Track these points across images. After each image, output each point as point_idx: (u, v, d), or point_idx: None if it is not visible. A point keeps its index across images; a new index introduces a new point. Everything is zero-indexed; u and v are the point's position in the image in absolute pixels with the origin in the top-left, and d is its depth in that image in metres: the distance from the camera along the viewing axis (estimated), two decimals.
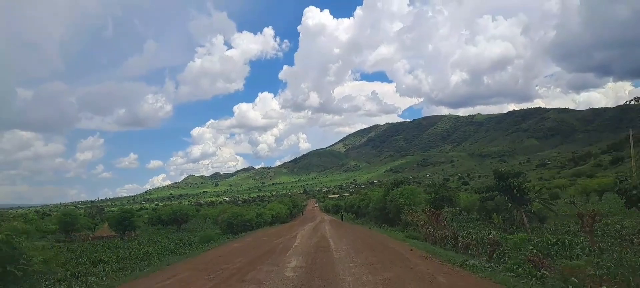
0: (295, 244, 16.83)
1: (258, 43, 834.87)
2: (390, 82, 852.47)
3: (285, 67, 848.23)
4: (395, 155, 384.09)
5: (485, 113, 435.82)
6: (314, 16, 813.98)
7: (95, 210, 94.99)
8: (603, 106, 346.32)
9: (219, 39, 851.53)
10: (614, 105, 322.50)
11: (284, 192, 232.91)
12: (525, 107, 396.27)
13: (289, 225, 37.98)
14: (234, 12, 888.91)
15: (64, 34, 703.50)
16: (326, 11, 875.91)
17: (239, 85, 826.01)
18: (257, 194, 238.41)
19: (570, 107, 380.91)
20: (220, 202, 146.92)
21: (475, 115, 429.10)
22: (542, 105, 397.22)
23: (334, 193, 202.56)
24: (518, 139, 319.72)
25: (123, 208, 56.23)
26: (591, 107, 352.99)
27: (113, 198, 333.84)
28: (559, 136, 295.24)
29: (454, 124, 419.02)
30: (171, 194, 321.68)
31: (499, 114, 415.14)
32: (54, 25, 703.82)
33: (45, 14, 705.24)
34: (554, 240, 13.32)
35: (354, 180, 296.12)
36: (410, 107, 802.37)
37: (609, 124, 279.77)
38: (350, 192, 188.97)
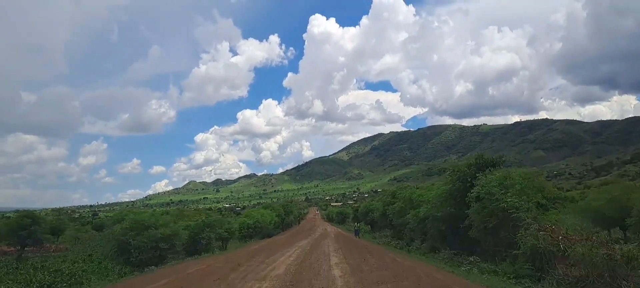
0: None
1: (263, 50, 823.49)
2: (394, 91, 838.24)
3: (289, 74, 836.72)
4: (399, 164, 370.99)
5: (490, 124, 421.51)
6: (319, 24, 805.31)
7: (66, 216, 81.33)
8: (610, 118, 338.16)
9: (224, 46, 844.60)
10: (622, 118, 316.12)
11: (285, 199, 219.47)
12: (531, 119, 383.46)
13: (268, 243, 24.44)
14: (240, 19, 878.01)
15: (69, 38, 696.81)
16: (332, 19, 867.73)
17: (243, 91, 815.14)
18: (258, 201, 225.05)
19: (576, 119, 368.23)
20: (219, 210, 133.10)
21: (480, 125, 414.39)
22: (547, 118, 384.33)
23: (336, 202, 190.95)
24: (525, 150, 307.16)
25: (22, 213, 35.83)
26: (599, 120, 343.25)
27: (112, 203, 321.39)
28: (566, 148, 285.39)
29: (459, 134, 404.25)
30: (171, 200, 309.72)
31: (504, 124, 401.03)
32: (59, 29, 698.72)
33: (50, 17, 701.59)
34: None
35: (357, 188, 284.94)
36: (415, 117, 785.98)
37: (617, 136, 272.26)
38: (353, 200, 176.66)
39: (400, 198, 22.93)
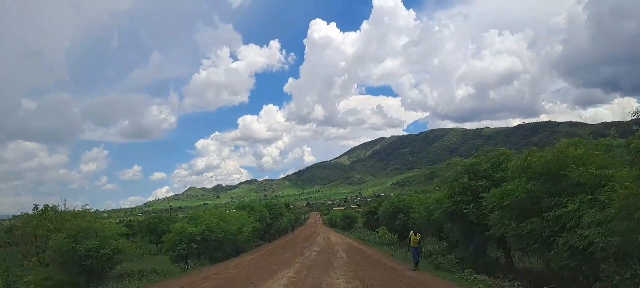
0: None
1: (264, 55, 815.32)
2: (395, 96, 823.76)
3: (290, 79, 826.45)
4: (401, 168, 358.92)
5: (492, 127, 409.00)
6: (320, 29, 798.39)
7: None
8: (615, 120, 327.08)
9: (224, 51, 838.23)
10: (628, 119, 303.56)
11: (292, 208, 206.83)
12: (534, 121, 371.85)
13: (200, 276, 11.75)
14: (240, 24, 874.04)
15: (70, 44, 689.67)
16: (333, 24, 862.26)
17: (243, 97, 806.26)
18: None
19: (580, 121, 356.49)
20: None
21: (483, 128, 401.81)
22: (550, 120, 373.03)
23: (339, 206, 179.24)
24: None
25: None
26: (603, 121, 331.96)
27: (112, 210, 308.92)
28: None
29: (462, 137, 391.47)
30: (170, 206, 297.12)
31: (507, 127, 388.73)
32: (59, 35, 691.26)
33: (51, 24, 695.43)
34: None
35: (359, 193, 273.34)
36: (416, 121, 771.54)
37: (622, 138, 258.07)
38: (356, 204, 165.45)
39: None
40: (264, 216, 28.22)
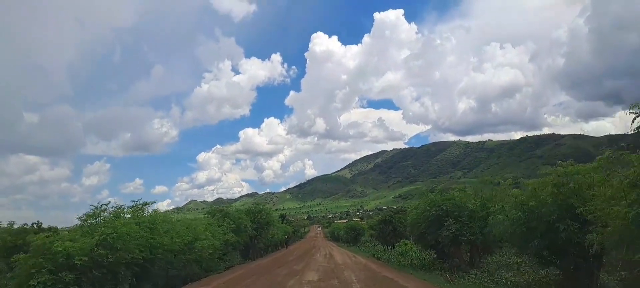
0: None
1: (265, 69, 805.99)
2: (397, 109, 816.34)
3: (291, 92, 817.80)
4: (403, 181, 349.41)
5: (495, 140, 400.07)
6: (321, 42, 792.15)
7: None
8: (618, 133, 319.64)
9: (226, 65, 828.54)
10: (632, 132, 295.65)
11: (290, 220, 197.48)
12: (537, 135, 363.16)
13: None
14: (242, 38, 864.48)
15: (73, 58, 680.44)
16: (334, 38, 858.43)
17: (245, 110, 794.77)
18: None
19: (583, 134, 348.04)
20: None
21: (486, 141, 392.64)
22: (554, 133, 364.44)
23: (340, 219, 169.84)
24: (532, 166, 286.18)
25: None
26: (607, 134, 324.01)
27: None
28: (575, 163, 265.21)
29: (464, 150, 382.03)
30: None
31: (510, 140, 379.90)
32: (62, 50, 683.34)
33: (54, 39, 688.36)
34: None
35: (361, 206, 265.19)
36: (417, 135, 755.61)
37: (626, 150, 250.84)
38: (359, 217, 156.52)
39: None
40: (242, 225, 19.63)
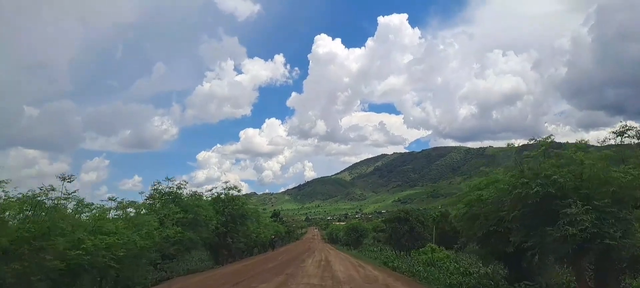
0: None
1: (268, 69, 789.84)
2: (398, 113, 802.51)
3: (293, 93, 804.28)
4: (403, 185, 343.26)
5: (495, 147, 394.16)
6: (325, 44, 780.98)
7: None
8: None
9: (229, 64, 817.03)
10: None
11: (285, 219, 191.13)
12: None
13: None
14: (245, 37, 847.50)
15: (74, 54, 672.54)
16: (338, 40, 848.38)
17: (246, 110, 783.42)
18: None
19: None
20: None
21: (486, 147, 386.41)
22: (554, 141, 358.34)
23: (339, 221, 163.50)
24: None
25: None
26: (608, 144, 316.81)
27: None
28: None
29: (464, 156, 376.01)
30: None
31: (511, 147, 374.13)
32: (64, 46, 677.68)
33: (56, 35, 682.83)
34: None
35: (359, 209, 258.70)
36: (418, 139, 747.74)
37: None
38: (358, 220, 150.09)
39: None
40: (200, 217, 13.46)
